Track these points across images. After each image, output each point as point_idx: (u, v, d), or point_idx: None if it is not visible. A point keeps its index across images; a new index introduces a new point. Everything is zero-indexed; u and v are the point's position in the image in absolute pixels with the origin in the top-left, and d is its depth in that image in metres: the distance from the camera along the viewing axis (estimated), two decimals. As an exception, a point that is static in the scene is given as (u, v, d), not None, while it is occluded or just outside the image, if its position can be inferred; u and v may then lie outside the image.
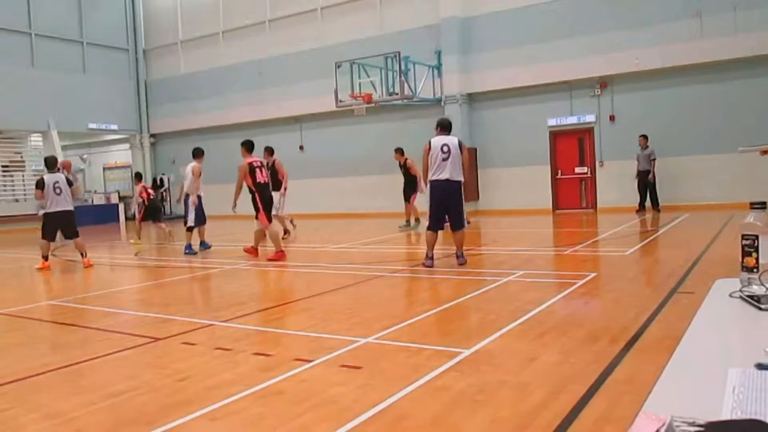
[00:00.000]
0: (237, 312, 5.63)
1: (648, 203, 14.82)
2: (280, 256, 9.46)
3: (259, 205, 9.64)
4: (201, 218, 11.32)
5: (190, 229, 11.13)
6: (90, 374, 3.99)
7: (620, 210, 15.04)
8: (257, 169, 9.67)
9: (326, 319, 5.26)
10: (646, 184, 14.70)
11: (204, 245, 11.39)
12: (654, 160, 14.53)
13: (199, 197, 11.26)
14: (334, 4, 19.76)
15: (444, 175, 7.62)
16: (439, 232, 7.96)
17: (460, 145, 7.74)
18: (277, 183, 11.87)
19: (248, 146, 9.88)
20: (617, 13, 15.30)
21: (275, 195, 11.24)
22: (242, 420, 3.04)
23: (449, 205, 7.74)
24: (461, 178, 7.76)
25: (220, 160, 21.90)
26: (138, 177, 14.52)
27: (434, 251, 7.89)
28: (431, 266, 7.70)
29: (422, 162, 7.90)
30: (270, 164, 11.79)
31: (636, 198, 14.91)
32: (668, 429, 0.90)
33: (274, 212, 11.40)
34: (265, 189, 9.75)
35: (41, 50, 21.58)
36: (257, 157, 9.97)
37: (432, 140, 7.77)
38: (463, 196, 7.85)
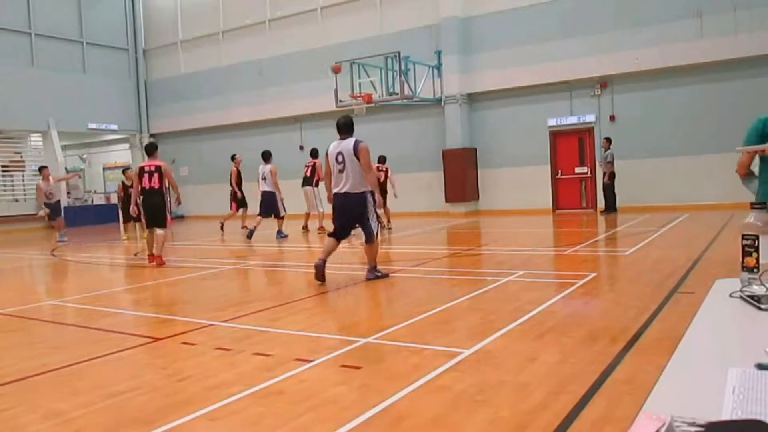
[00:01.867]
0: (237, 312, 5.63)
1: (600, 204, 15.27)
2: (150, 259, 9.53)
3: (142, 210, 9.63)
4: (276, 209, 12.89)
5: (282, 218, 12.98)
6: (90, 374, 3.99)
7: (620, 210, 15.03)
8: (146, 174, 9.33)
9: (326, 319, 5.26)
10: (603, 185, 15.00)
11: (280, 234, 12.97)
12: (610, 162, 14.81)
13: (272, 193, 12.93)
14: (334, 4, 19.75)
15: (343, 189, 6.81)
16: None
17: (356, 148, 6.76)
18: (308, 180, 13.67)
19: (145, 149, 9.83)
20: (617, 13, 15.31)
21: (310, 189, 13.55)
22: (242, 420, 3.04)
23: (354, 220, 6.98)
24: (363, 189, 6.81)
25: (219, 160, 21.92)
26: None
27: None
28: (320, 267, 6.79)
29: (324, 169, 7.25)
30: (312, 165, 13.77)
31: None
32: (668, 429, 0.90)
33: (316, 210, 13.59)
34: (148, 195, 9.34)
35: (41, 50, 21.57)
36: (155, 161, 9.45)
37: (329, 146, 7.01)
38: (369, 207, 6.90)
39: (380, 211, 13.47)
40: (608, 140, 15.07)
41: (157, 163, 9.45)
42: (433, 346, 4.15)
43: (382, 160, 13.96)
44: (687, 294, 5.34)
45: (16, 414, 3.27)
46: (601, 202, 16.08)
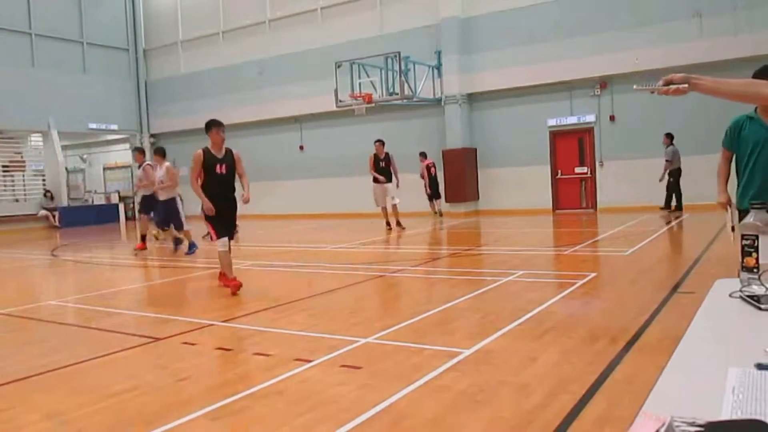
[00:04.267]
0: (237, 312, 5.63)
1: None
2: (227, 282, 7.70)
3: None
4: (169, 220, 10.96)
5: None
6: (90, 374, 3.99)
7: (620, 210, 15.04)
8: None
9: (326, 319, 5.25)
10: (667, 184, 14.08)
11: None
12: (667, 161, 13.91)
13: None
14: (334, 4, 19.75)
15: None
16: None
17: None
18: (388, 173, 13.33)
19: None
20: (617, 13, 15.30)
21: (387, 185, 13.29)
22: (242, 420, 3.04)
23: None
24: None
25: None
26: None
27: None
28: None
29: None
30: (385, 157, 13.45)
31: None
32: (668, 429, 0.90)
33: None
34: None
35: (41, 50, 21.56)
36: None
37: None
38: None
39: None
40: (668, 136, 13.98)
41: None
42: (433, 346, 4.15)
43: (423, 154, 16.18)
44: (687, 294, 5.34)
45: (16, 414, 3.27)
46: (602, 202, 16.09)
